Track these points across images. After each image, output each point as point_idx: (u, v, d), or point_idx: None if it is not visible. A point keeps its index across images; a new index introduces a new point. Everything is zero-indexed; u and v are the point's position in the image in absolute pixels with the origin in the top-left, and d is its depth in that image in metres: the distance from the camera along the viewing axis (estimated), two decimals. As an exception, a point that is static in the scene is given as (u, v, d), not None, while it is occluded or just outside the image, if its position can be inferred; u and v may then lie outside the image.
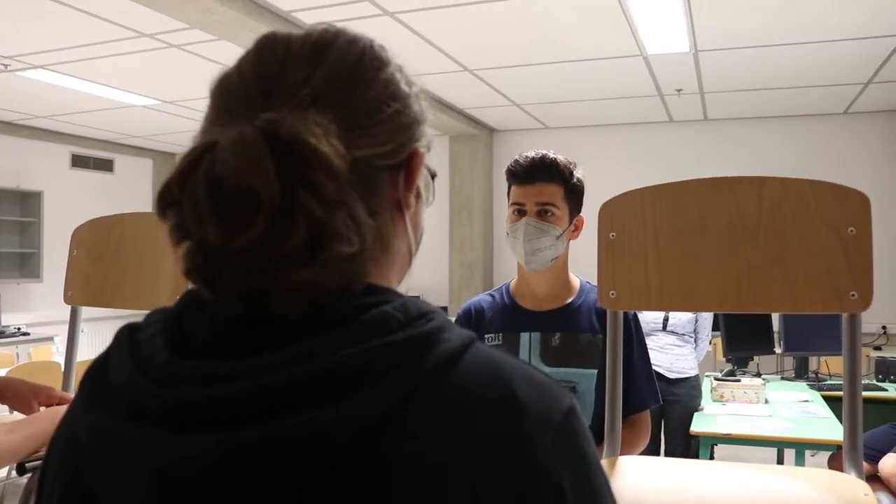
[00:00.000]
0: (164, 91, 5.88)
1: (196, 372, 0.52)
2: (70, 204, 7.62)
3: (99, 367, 0.58)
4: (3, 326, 7.08)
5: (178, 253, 0.55)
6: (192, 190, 0.53)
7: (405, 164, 0.63)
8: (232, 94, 0.60)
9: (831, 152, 6.79)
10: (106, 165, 8.45)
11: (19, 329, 7.13)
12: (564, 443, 0.55)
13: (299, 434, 0.49)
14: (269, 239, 0.51)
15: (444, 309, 4.95)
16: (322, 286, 0.53)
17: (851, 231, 1.17)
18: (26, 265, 7.56)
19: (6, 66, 5.22)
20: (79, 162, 8.15)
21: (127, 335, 0.58)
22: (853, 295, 1.16)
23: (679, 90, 6.05)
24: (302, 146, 0.52)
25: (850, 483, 1.09)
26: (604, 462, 1.24)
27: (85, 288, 1.83)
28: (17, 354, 6.53)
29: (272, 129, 0.53)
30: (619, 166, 7.04)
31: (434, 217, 7.96)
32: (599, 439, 1.34)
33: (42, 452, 1.25)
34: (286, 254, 0.52)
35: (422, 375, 0.53)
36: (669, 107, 6.74)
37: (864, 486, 1.07)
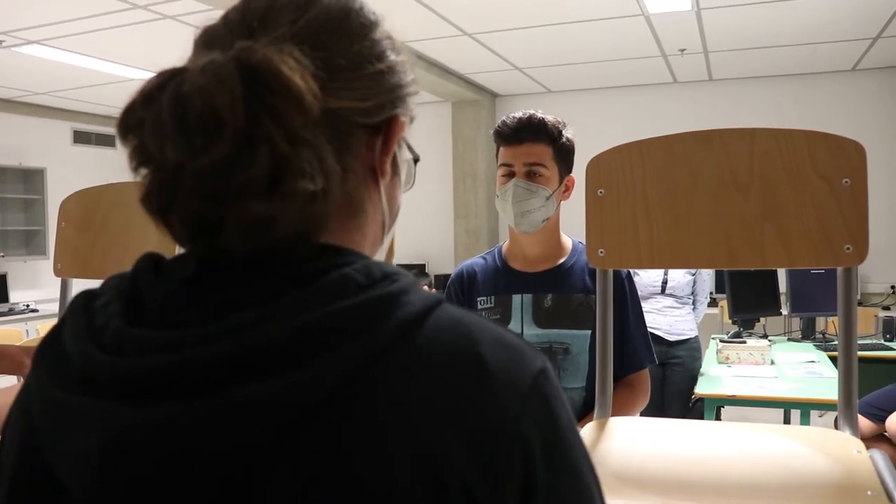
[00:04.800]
0: (161, 64, 5.71)
1: (145, 341, 0.50)
2: (73, 180, 7.54)
3: (53, 337, 0.56)
4: (12, 304, 7.12)
5: (136, 178, 0.53)
6: (156, 109, 0.51)
7: (384, 129, 0.61)
8: (216, 38, 0.58)
9: (840, 110, 6.66)
10: (108, 141, 8.41)
11: (28, 306, 7.17)
12: (535, 407, 0.53)
13: (244, 406, 0.46)
14: (228, 165, 0.49)
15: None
16: (279, 223, 0.51)
17: (846, 182, 1.13)
18: (32, 243, 7.57)
19: (1, 41, 5.18)
20: (80, 138, 8.11)
21: (83, 303, 0.56)
22: (848, 248, 1.13)
23: (682, 50, 5.95)
24: (273, 74, 0.50)
25: (844, 440, 1.07)
26: (593, 424, 1.22)
27: (74, 260, 1.81)
28: (27, 331, 6.57)
29: (244, 56, 0.51)
30: (624, 128, 6.93)
31: (438, 184, 7.91)
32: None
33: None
34: (244, 183, 0.49)
35: (380, 341, 0.50)
36: (673, 67, 6.63)
37: (858, 444, 1.04)
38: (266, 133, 0.49)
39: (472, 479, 0.48)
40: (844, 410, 1.14)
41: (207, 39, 0.59)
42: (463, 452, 0.49)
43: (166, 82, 0.51)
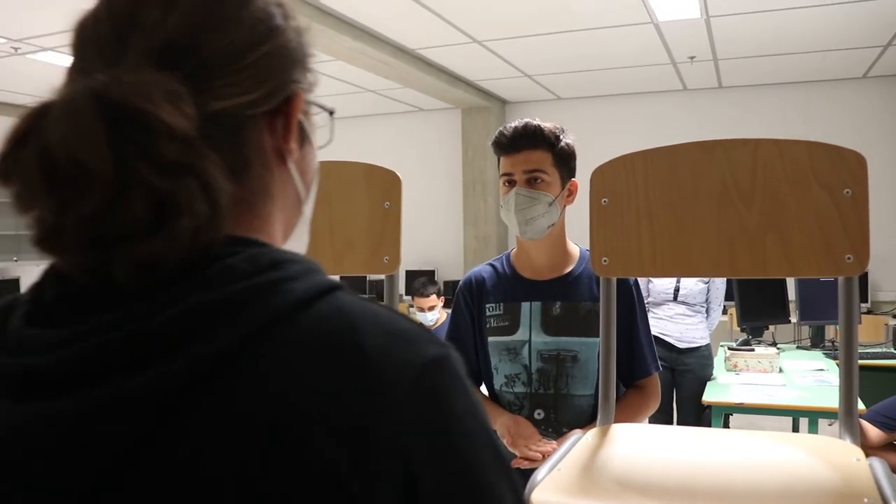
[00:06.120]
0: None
1: (37, 340, 0.50)
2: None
3: None
4: (25, 307, 7.18)
5: (25, 222, 0.51)
6: (24, 159, 0.49)
7: (283, 109, 0.59)
8: (87, 42, 0.56)
9: (851, 118, 6.65)
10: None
11: (40, 310, 7.23)
12: (419, 399, 0.49)
13: (115, 400, 0.46)
14: (105, 214, 0.48)
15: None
16: (166, 260, 0.49)
17: (847, 192, 1.14)
18: (45, 246, 7.64)
19: (16, 49, 5.24)
20: (93, 143, 8.18)
21: (3, 308, 0.56)
22: (849, 258, 1.14)
23: (692, 57, 5.95)
24: (135, 112, 0.48)
25: (844, 449, 1.08)
26: (596, 430, 1.23)
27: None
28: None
29: (103, 94, 0.48)
30: (634, 135, 6.94)
31: (448, 191, 7.94)
32: None
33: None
34: (124, 228, 0.48)
35: (252, 328, 0.49)
36: (683, 75, 6.63)
37: (858, 452, 1.05)
38: (138, 175, 0.48)
39: (342, 472, 0.46)
40: (845, 419, 1.14)
41: (81, 47, 0.56)
42: (334, 443, 0.47)
43: (31, 127, 0.49)
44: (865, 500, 0.89)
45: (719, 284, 4.16)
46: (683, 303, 4.07)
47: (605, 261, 1.27)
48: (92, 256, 0.49)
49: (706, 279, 4.07)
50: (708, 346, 4.09)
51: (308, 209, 0.66)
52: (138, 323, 0.48)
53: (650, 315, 4.07)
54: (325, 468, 0.46)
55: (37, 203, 0.50)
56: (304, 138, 0.62)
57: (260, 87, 0.56)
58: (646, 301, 4.09)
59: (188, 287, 0.49)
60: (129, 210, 0.48)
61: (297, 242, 0.66)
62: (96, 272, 0.50)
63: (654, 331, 3.93)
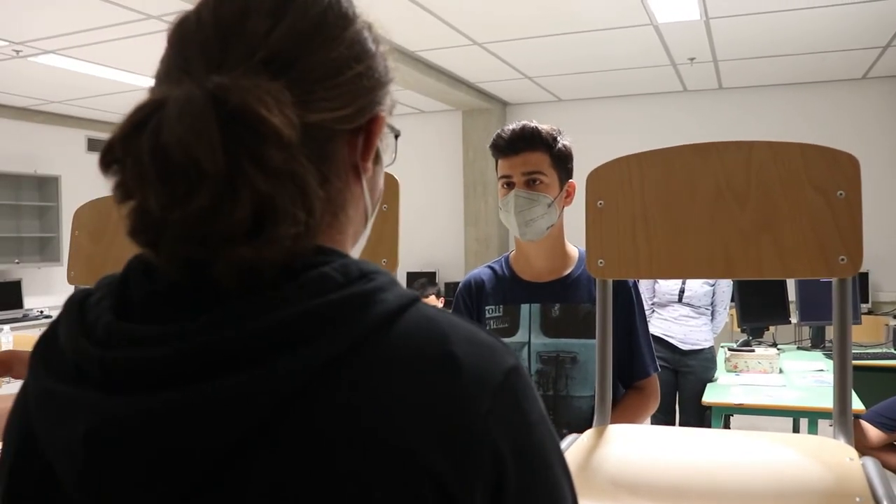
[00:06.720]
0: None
1: (133, 334, 0.52)
2: (87, 188, 7.61)
3: (49, 334, 0.58)
4: (27, 310, 7.20)
5: (121, 212, 0.53)
6: (135, 152, 0.51)
7: (364, 128, 0.61)
8: (189, 42, 0.57)
9: (851, 119, 6.65)
10: (122, 149, 8.51)
11: (42, 312, 7.25)
12: (505, 404, 0.54)
13: (223, 397, 0.48)
14: (212, 212, 0.49)
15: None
16: (265, 263, 0.52)
17: (840, 194, 1.15)
18: (46, 249, 7.66)
19: (18, 52, 5.25)
20: (95, 146, 8.19)
21: (77, 301, 0.58)
22: (842, 259, 1.14)
23: (692, 59, 5.96)
24: (251, 116, 0.50)
25: (838, 448, 1.08)
26: (593, 430, 1.24)
27: (87, 268, 1.84)
28: (41, 337, 6.63)
29: (221, 97, 0.51)
30: (634, 137, 6.94)
31: (448, 192, 7.95)
32: None
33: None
34: (228, 229, 0.50)
35: (354, 336, 0.51)
36: (683, 76, 6.64)
37: (851, 452, 1.06)
38: (248, 176, 0.50)
39: (443, 474, 0.50)
40: (839, 419, 1.15)
41: (183, 48, 0.58)
42: (434, 447, 0.50)
43: (145, 121, 0.51)
44: (857, 499, 0.90)
45: (725, 287, 4.16)
46: (688, 304, 4.07)
47: (600, 263, 1.28)
48: (193, 252, 0.51)
49: (712, 281, 4.06)
50: (711, 348, 4.09)
51: (370, 225, 0.68)
52: (246, 323, 0.50)
53: (655, 316, 4.09)
54: (429, 471, 0.49)
55: (142, 194, 0.51)
56: (377, 157, 0.65)
57: (351, 104, 0.59)
58: (651, 302, 4.12)
59: (290, 292, 0.51)
60: (235, 210, 0.50)
61: (356, 255, 0.68)
62: (190, 269, 0.52)
63: (658, 332, 3.97)
